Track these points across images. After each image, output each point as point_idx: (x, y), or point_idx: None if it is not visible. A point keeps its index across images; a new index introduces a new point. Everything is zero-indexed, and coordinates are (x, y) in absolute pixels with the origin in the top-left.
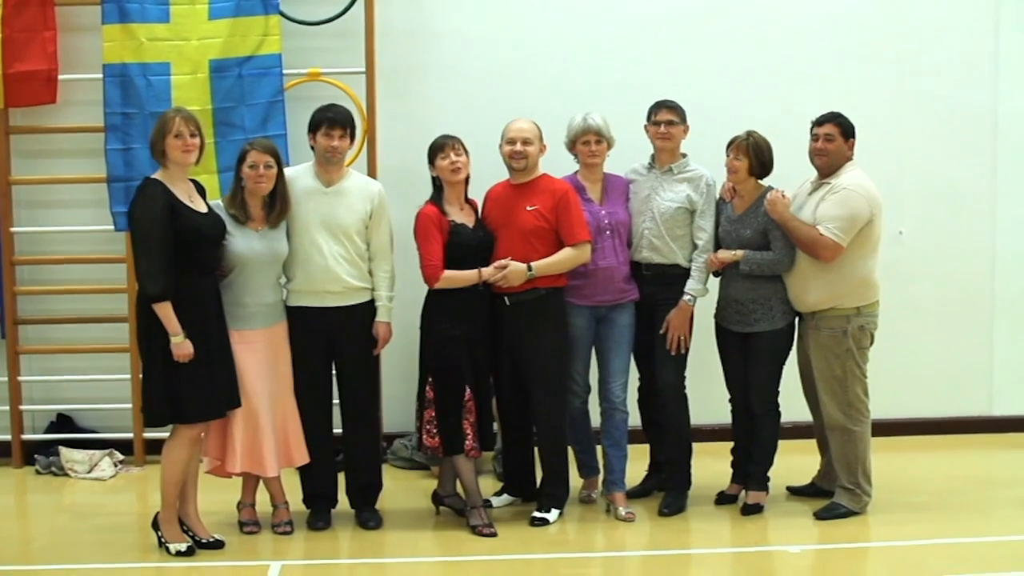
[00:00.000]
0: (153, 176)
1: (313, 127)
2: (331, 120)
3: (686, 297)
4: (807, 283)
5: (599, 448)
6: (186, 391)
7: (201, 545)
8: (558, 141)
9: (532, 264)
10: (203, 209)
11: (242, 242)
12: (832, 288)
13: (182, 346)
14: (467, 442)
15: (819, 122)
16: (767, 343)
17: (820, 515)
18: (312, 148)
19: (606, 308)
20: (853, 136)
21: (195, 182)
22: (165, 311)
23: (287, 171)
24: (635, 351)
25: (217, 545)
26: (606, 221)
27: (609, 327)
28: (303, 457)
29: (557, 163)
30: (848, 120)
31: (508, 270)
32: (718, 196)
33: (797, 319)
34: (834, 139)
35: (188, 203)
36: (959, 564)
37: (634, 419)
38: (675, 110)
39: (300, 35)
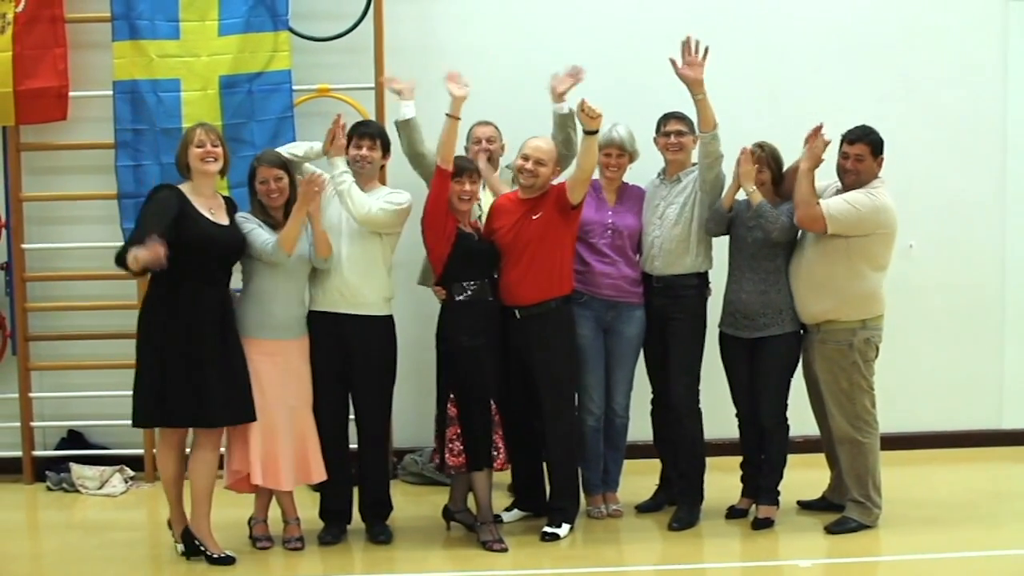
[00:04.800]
0: (173, 184)
1: (347, 140)
2: (361, 132)
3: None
4: (812, 292)
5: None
6: (171, 395)
7: (212, 560)
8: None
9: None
10: (223, 222)
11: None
12: (837, 299)
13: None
14: (500, 457)
15: (851, 140)
16: (776, 349)
17: (831, 529)
18: (346, 162)
19: (612, 315)
20: (882, 152)
21: (229, 200)
22: (132, 263)
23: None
24: (647, 366)
25: (228, 561)
26: (610, 221)
27: (616, 339)
28: (320, 474)
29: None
30: (878, 136)
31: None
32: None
33: (803, 330)
34: (864, 159)
35: (206, 213)
36: None
37: (645, 433)
38: (684, 120)
39: (309, 51)
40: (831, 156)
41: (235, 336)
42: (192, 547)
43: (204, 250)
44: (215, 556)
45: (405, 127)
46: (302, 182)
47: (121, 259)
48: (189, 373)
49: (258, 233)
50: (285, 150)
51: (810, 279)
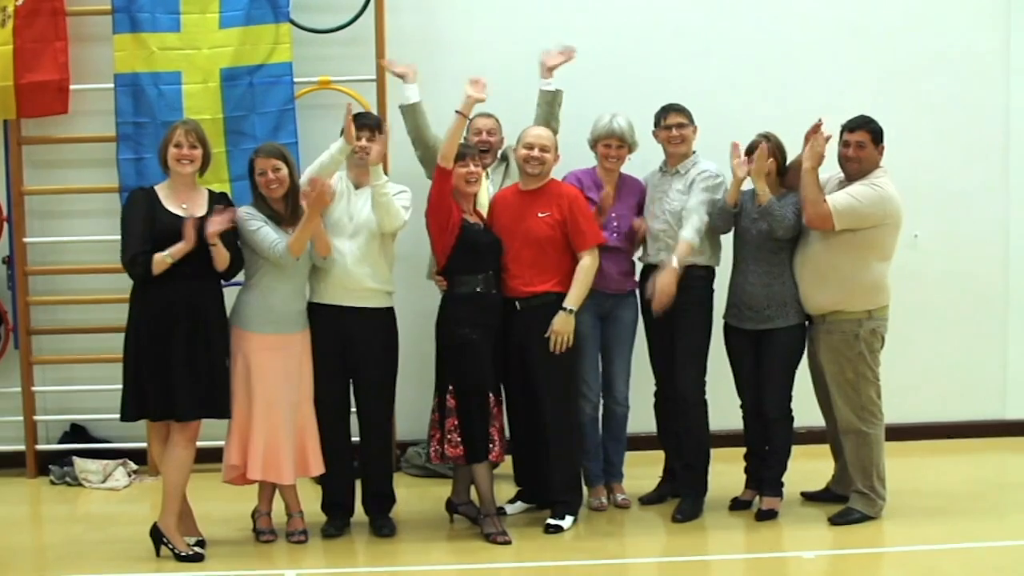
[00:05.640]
0: (148, 186)
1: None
2: (360, 123)
3: (674, 262)
4: (818, 284)
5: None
6: (147, 389)
7: (180, 558)
8: (568, 147)
9: (568, 306)
10: (197, 216)
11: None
12: (842, 290)
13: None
14: (495, 449)
15: (850, 128)
16: (781, 341)
17: (835, 520)
18: None
19: (611, 303)
20: (882, 141)
21: (219, 195)
22: (161, 265)
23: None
24: (652, 357)
25: (196, 559)
26: (615, 224)
27: (613, 325)
28: (319, 467)
29: (570, 167)
30: (878, 125)
31: (558, 328)
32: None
33: (807, 322)
34: (865, 147)
35: (176, 209)
36: (974, 568)
37: (649, 426)
38: (683, 112)
39: (311, 43)
40: (832, 150)
41: (213, 329)
42: (159, 545)
43: (163, 243)
44: (182, 554)
45: (411, 111)
46: (311, 190)
47: (144, 267)
48: (158, 366)
49: (265, 233)
50: (315, 170)
51: (816, 271)
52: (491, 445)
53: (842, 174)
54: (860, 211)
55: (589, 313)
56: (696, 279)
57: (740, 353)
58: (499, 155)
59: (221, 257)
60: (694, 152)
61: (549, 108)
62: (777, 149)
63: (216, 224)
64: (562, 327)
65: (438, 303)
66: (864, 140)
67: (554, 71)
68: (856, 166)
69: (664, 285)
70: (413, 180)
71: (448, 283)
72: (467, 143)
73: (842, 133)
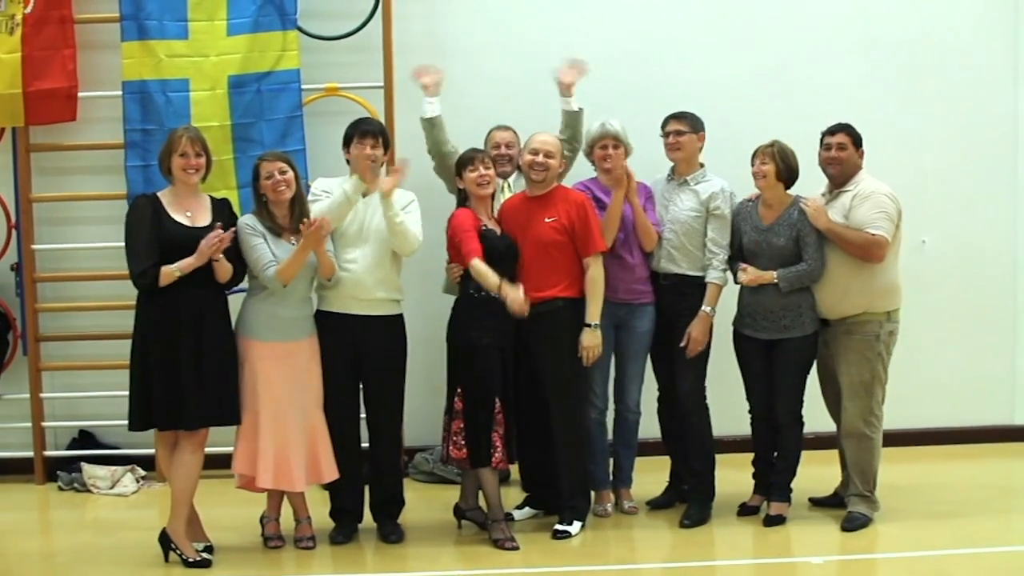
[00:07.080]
0: (152, 192)
1: (346, 140)
2: (363, 131)
3: (707, 309)
4: (844, 290)
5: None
6: (153, 398)
7: (188, 564)
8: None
9: (591, 322)
10: (200, 223)
11: (280, 254)
12: (868, 293)
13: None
14: (496, 455)
15: (831, 132)
16: (796, 349)
17: (846, 528)
18: (348, 162)
19: (624, 311)
20: (862, 145)
21: (221, 202)
22: (168, 278)
23: (323, 181)
24: (653, 362)
25: (204, 564)
26: (629, 225)
27: (628, 334)
28: (332, 473)
29: (576, 176)
30: (856, 130)
31: (586, 344)
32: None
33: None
34: (847, 148)
35: (180, 216)
36: (982, 573)
37: (654, 430)
38: (683, 120)
39: (318, 50)
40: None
41: (219, 337)
42: (168, 551)
43: (168, 253)
44: (190, 560)
45: (429, 125)
46: (310, 226)
47: (152, 280)
48: (165, 375)
49: (262, 252)
50: (330, 209)
51: (838, 279)
52: (492, 451)
53: (821, 193)
54: (891, 217)
55: (603, 319)
56: (696, 287)
57: (751, 359)
58: (519, 166)
59: (223, 271)
60: (702, 165)
61: (574, 130)
62: (779, 154)
63: (222, 243)
64: (589, 342)
65: (447, 308)
66: (845, 142)
67: (573, 87)
68: (838, 168)
69: (698, 333)
70: (420, 192)
71: (463, 285)
72: (474, 148)
73: (823, 138)
